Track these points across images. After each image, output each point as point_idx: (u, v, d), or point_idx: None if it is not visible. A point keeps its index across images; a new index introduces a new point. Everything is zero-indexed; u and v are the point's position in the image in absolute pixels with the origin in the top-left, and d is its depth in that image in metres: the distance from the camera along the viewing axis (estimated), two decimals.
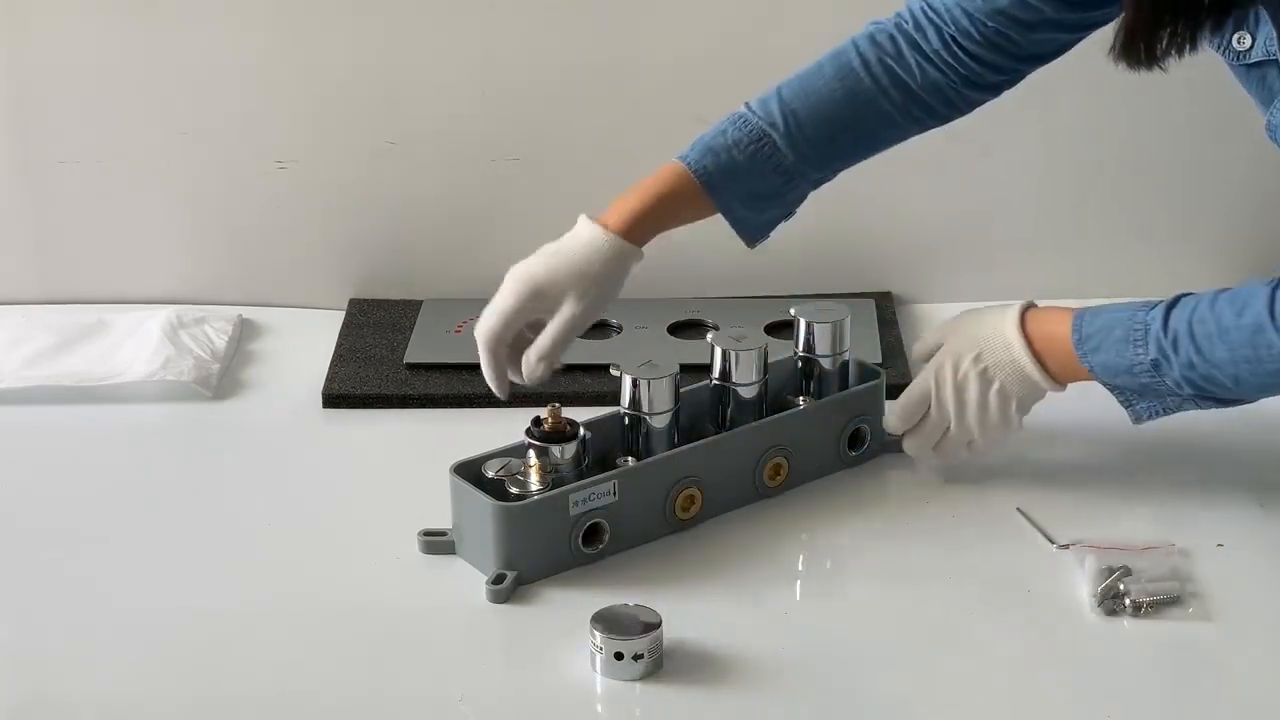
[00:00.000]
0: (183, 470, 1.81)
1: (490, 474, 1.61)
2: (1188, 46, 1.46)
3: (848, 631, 1.55)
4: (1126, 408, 1.64)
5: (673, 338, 2.02)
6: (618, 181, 2.09)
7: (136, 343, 2.00)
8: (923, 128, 1.76)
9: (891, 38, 1.72)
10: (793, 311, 1.76)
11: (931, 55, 1.71)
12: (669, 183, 1.71)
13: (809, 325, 1.74)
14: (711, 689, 1.47)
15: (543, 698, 1.46)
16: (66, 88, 2.07)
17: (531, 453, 1.61)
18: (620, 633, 1.47)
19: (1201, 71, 1.63)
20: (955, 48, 1.70)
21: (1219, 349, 1.55)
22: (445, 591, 1.60)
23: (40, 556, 1.65)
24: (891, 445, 1.76)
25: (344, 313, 2.09)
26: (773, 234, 1.79)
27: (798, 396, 1.75)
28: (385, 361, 1.98)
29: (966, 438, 1.69)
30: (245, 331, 2.08)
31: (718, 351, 1.70)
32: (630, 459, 1.66)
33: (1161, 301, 1.59)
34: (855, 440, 1.76)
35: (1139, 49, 1.46)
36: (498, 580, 1.57)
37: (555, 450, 1.61)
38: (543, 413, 1.62)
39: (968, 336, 1.68)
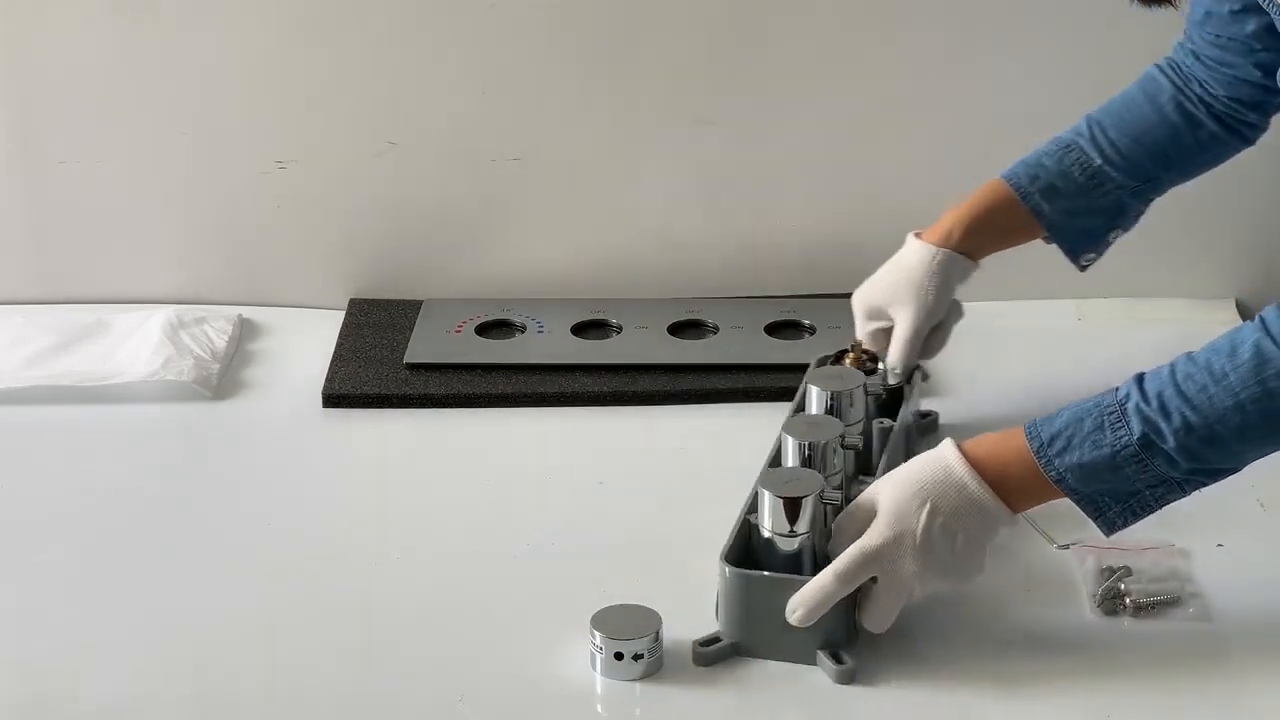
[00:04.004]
0: (183, 470, 1.81)
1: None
2: None
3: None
4: (1097, 518, 1.46)
5: (673, 338, 2.01)
6: (617, 181, 2.10)
7: (136, 343, 2.00)
8: (1236, 135, 1.76)
9: (1194, 54, 1.74)
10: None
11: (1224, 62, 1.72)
12: (987, 192, 1.79)
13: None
14: (711, 689, 1.47)
15: (543, 698, 1.46)
16: (66, 88, 2.07)
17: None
18: (620, 633, 1.47)
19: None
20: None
21: (1221, 399, 1.40)
22: (444, 591, 1.60)
23: (40, 556, 1.66)
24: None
25: (344, 313, 2.09)
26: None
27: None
28: (385, 361, 1.98)
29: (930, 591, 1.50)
30: (245, 331, 2.07)
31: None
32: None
33: (1119, 384, 1.45)
34: None
35: None
36: None
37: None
38: (849, 349, 1.75)
39: (903, 489, 1.48)
